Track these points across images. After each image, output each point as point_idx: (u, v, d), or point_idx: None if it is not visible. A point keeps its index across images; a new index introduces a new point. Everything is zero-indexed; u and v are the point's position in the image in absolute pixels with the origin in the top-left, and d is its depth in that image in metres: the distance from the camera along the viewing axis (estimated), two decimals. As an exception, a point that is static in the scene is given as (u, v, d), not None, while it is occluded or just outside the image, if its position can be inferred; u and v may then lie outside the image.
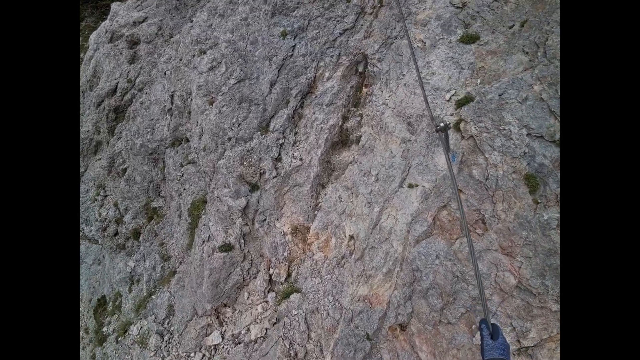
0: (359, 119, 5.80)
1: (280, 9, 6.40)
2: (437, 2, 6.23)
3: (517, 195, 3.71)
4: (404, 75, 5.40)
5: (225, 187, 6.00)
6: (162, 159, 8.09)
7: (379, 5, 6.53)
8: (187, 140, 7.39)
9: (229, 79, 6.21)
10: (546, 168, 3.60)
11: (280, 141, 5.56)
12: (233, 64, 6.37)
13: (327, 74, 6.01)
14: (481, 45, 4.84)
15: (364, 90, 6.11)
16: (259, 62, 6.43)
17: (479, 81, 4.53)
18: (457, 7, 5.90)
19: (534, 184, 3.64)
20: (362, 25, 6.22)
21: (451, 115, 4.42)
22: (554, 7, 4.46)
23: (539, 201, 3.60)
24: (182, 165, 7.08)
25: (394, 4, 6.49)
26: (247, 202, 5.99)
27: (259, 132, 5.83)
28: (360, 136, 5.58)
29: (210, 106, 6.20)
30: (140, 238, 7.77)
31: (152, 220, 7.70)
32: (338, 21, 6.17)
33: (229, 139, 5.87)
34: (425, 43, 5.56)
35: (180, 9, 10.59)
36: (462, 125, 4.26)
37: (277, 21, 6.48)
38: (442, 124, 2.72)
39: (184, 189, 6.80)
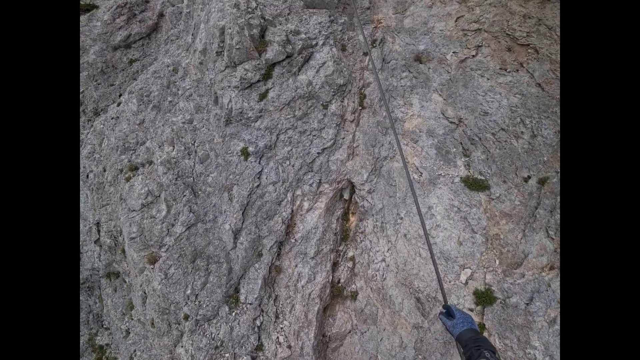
0: (350, 265, 4.65)
1: (238, 117, 4.83)
2: (426, 110, 5.31)
3: None
4: (402, 218, 4.36)
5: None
6: (98, 286, 5.97)
7: (359, 108, 5.37)
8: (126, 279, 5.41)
9: (173, 225, 4.48)
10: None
11: (258, 321, 4.10)
12: (177, 200, 4.64)
13: (306, 205, 4.70)
14: (492, 199, 4.00)
15: (352, 219, 4.95)
16: (214, 194, 4.80)
17: (497, 262, 3.70)
18: (451, 122, 5.04)
19: None
20: (343, 139, 4.99)
21: (470, 310, 3.52)
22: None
23: None
24: (125, 315, 5.14)
25: (377, 107, 5.39)
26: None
27: (226, 307, 4.24)
28: (357, 293, 4.44)
29: (152, 266, 4.42)
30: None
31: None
32: (315, 136, 4.85)
33: (186, 317, 4.19)
34: (422, 174, 4.59)
35: (107, 72, 8.09)
36: (485, 334, 3.38)
37: (235, 132, 4.90)
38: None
39: (135, 353, 4.90)
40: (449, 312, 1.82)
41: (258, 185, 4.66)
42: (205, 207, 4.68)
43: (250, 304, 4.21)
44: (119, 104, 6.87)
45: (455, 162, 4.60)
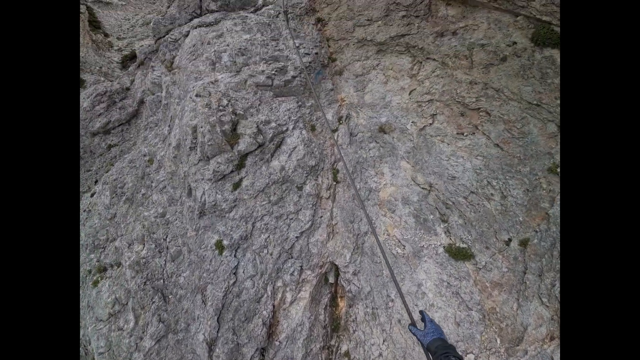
0: (345, 363, 4.10)
1: (212, 209, 4.74)
2: (397, 177, 5.45)
3: None
4: (392, 300, 4.02)
5: None
6: None
7: (334, 184, 5.44)
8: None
9: (142, 338, 4.00)
10: None
11: None
12: (146, 308, 4.26)
13: (289, 296, 4.34)
14: (479, 269, 3.80)
15: (341, 305, 4.55)
16: (186, 297, 4.45)
17: (498, 342, 3.35)
18: (423, 188, 5.13)
19: None
20: (321, 217, 4.91)
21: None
22: (554, 222, 3.71)
23: None
24: None
25: (350, 182, 5.47)
26: None
27: None
28: (355, 400, 3.82)
29: None
30: None
31: None
32: (292, 219, 4.75)
33: None
34: (405, 247, 4.42)
35: (84, 158, 8.24)
36: None
37: (209, 224, 4.76)
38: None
39: None
40: (414, 324, 1.97)
41: (234, 283, 4.35)
42: (177, 314, 4.26)
43: None
44: (92, 194, 6.80)
45: (435, 230, 4.51)
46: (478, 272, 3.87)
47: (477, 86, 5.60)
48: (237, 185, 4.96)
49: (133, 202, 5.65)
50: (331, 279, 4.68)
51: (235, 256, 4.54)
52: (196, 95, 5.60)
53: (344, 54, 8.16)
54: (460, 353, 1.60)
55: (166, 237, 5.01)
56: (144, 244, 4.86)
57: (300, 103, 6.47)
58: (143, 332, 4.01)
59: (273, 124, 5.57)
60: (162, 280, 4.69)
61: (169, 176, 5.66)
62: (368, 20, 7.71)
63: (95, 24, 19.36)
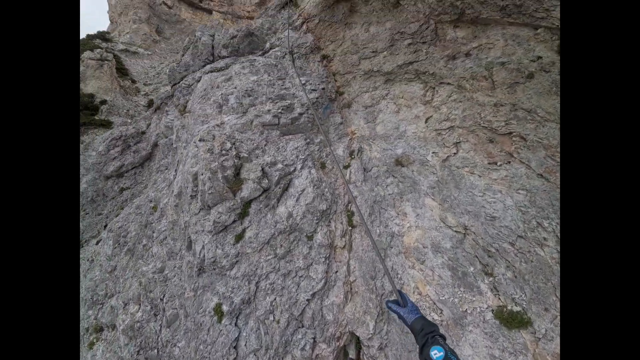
0: None
1: (211, 266, 4.17)
2: (423, 218, 4.67)
3: None
4: (433, 388, 2.98)
5: None
6: None
7: (349, 229, 4.74)
8: None
9: None
10: None
11: None
12: None
13: (301, 377, 3.46)
14: (539, 339, 2.84)
15: None
16: None
17: None
18: (457, 232, 4.29)
19: None
20: (336, 273, 4.16)
21: None
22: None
23: None
24: None
25: (369, 223, 4.74)
26: None
27: None
28: None
29: None
30: None
31: None
32: (301, 276, 4.04)
33: None
34: (442, 311, 3.51)
35: (97, 201, 8.22)
36: None
37: (208, 284, 4.17)
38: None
39: None
40: (397, 301, 1.75)
41: (235, 359, 3.60)
42: None
43: None
44: (97, 242, 6.53)
45: (478, 287, 3.61)
46: (537, 344, 2.90)
47: (504, 108, 4.95)
48: (239, 237, 4.42)
49: (134, 254, 5.28)
50: (352, 354, 3.79)
51: (236, 325, 3.84)
52: (200, 140, 5.40)
53: (352, 87, 7.95)
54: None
55: (163, 297, 4.47)
56: (139, 305, 4.35)
57: (308, 140, 6.09)
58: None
59: (279, 165, 5.15)
60: (156, 350, 4.06)
61: (170, 226, 5.29)
62: (373, 52, 7.54)
63: (123, 71, 21.47)
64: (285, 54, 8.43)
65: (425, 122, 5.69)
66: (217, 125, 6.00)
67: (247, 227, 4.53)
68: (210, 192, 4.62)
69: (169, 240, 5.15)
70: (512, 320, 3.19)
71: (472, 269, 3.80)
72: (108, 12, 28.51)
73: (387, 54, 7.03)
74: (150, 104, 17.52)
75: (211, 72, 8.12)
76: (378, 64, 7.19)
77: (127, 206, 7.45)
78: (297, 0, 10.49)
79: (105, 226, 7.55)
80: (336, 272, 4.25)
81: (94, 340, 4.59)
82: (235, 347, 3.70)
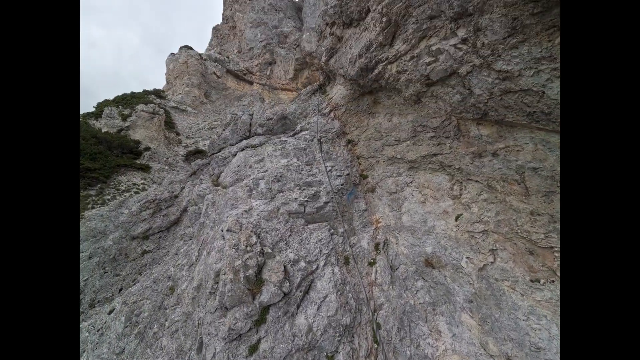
0: None
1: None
2: (460, 341, 4.07)
3: None
4: None
5: None
6: None
7: (375, 347, 4.22)
8: None
9: None
10: None
11: None
12: None
13: None
14: None
15: None
16: None
17: None
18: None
19: None
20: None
21: None
22: None
23: None
24: None
25: (398, 342, 4.18)
26: None
27: None
28: None
29: None
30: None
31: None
32: None
33: None
34: None
35: (118, 260, 8.40)
36: None
37: None
38: None
39: None
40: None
41: None
42: None
43: None
44: (110, 312, 6.39)
45: None
46: None
47: (542, 218, 4.60)
48: (253, 349, 4.10)
49: (143, 339, 5.09)
50: None
51: None
52: (227, 230, 5.57)
53: (375, 171, 8.15)
54: None
55: None
56: None
57: (332, 230, 6.03)
58: None
59: (302, 264, 5.03)
60: None
61: (184, 318, 5.13)
62: (396, 140, 7.88)
63: (170, 125, 24.43)
64: (314, 138, 9.11)
65: (456, 220, 5.45)
66: (245, 212, 6.25)
67: (263, 337, 4.23)
68: (230, 294, 4.53)
69: (180, 335, 4.95)
70: None
71: None
72: (165, 74, 33.82)
73: (410, 144, 7.28)
74: (188, 154, 19.31)
75: (246, 148, 8.90)
76: (401, 152, 7.42)
77: (145, 274, 7.54)
78: (326, 89, 11.83)
79: (120, 290, 7.56)
80: (360, 409, 3.65)
81: None
82: None
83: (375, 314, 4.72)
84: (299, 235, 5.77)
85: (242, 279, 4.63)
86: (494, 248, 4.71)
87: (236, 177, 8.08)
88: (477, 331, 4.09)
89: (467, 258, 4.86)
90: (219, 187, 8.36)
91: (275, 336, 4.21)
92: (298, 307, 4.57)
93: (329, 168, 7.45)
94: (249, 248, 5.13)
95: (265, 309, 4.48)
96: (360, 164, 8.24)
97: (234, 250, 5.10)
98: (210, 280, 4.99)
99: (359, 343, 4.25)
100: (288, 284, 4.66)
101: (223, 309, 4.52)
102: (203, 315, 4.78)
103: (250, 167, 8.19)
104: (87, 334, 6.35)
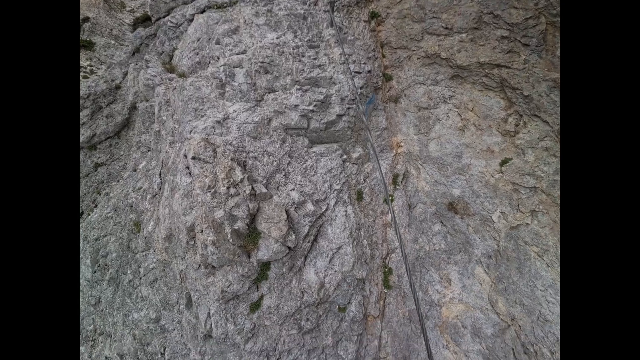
0: None
1: (222, 339, 3.42)
2: (469, 292, 4.01)
3: None
4: None
5: None
6: None
7: (385, 292, 4.03)
8: None
9: None
10: None
11: None
12: None
13: None
14: None
15: None
16: None
17: None
18: (503, 320, 3.74)
19: None
20: (366, 348, 3.67)
21: None
22: None
23: None
24: None
25: (407, 288, 4.10)
26: None
27: None
28: None
29: None
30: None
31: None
32: (329, 355, 3.55)
33: None
34: None
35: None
36: None
37: (218, 352, 3.62)
38: None
39: None
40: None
41: None
42: None
43: None
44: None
45: None
46: None
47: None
48: (256, 306, 3.52)
49: (119, 287, 4.27)
50: None
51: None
52: (193, 159, 3.69)
53: (403, 71, 5.85)
54: None
55: (164, 351, 3.79)
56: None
57: (344, 156, 4.60)
58: None
59: (309, 206, 3.85)
60: None
61: (161, 266, 4.15)
62: (446, 27, 5.22)
63: None
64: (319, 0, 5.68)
65: (501, 165, 4.39)
66: (219, 123, 4.15)
67: (266, 294, 3.57)
68: (214, 257, 3.38)
69: (161, 286, 4.10)
70: None
71: (513, 371, 3.42)
72: None
73: (467, 39, 4.92)
74: (135, 23, 12.90)
75: (208, 8, 5.40)
76: (449, 49, 5.11)
77: (103, 195, 5.90)
78: None
79: (81, 214, 6.09)
80: (366, 346, 3.69)
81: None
82: None
83: (388, 257, 4.29)
84: (302, 163, 4.26)
85: (228, 235, 3.37)
86: (536, 210, 4.06)
87: (197, 60, 5.13)
88: (488, 287, 3.99)
89: (501, 212, 4.23)
90: (175, 75, 5.39)
91: (280, 294, 3.55)
92: (305, 259, 3.78)
93: (347, 56, 4.98)
94: (232, 190, 3.55)
95: (265, 265, 3.59)
96: (384, 56, 5.79)
97: (209, 195, 3.50)
98: (182, 234, 3.64)
99: (370, 290, 3.94)
100: (294, 236, 3.61)
101: (209, 268, 3.49)
102: (184, 268, 3.77)
103: (218, 42, 5.04)
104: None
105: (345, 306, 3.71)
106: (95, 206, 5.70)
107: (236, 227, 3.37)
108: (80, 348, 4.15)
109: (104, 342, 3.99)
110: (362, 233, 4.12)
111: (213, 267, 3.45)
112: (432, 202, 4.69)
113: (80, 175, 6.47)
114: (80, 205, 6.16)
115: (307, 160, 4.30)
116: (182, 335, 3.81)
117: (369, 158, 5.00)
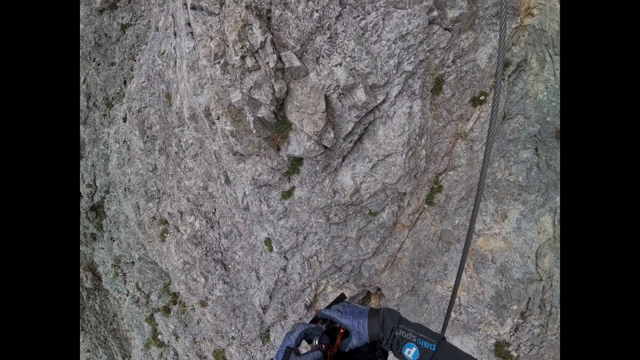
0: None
1: (258, 216, 3.85)
2: (520, 235, 3.44)
3: None
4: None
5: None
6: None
7: (425, 207, 3.73)
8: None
9: (212, 290, 4.82)
10: None
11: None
12: (211, 272, 4.64)
13: (330, 288, 4.62)
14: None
15: (374, 301, 4.92)
16: (242, 271, 4.65)
17: None
18: (539, 274, 3.36)
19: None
20: (386, 246, 3.97)
21: None
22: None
23: None
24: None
25: (452, 210, 3.87)
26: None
27: (259, 341, 5.28)
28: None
29: (203, 308, 5.19)
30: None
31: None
32: (349, 244, 3.91)
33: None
34: (461, 314, 3.92)
35: (102, 44, 5.93)
36: None
37: (257, 221, 4.06)
38: None
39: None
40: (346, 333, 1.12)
41: (283, 275, 4.36)
42: (237, 280, 4.75)
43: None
44: (124, 119, 5.36)
45: (504, 320, 3.62)
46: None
47: None
48: (288, 194, 3.45)
49: (169, 157, 4.40)
50: (372, 291, 4.56)
51: (285, 258, 4.18)
52: (192, 8, 2.30)
53: None
54: None
55: (214, 211, 4.39)
56: (194, 217, 4.41)
57: (435, 12, 2.69)
58: (212, 288, 4.78)
59: (360, 95, 2.73)
60: (220, 253, 4.74)
61: (198, 143, 3.85)
62: None
63: None
64: None
65: None
66: None
67: (297, 186, 3.36)
68: (237, 148, 2.83)
69: (202, 160, 3.99)
70: (501, 352, 3.60)
71: (515, 306, 3.53)
72: None
73: None
74: None
75: None
76: None
77: (137, 67, 5.01)
78: None
79: (125, 83, 5.52)
80: (386, 245, 3.90)
81: (164, 234, 5.01)
82: (284, 269, 4.32)
83: (444, 174, 3.51)
84: (360, 18, 2.59)
85: (251, 124, 2.63)
86: None
87: None
88: (544, 239, 3.32)
89: None
90: None
91: (312, 189, 3.31)
92: (343, 160, 3.17)
93: None
94: (249, 61, 2.38)
95: (296, 160, 3.10)
96: None
97: (218, 68, 2.39)
98: (201, 120, 2.91)
99: (408, 202, 3.56)
100: (332, 134, 2.80)
101: (238, 155, 3.10)
102: (217, 149, 3.43)
103: None
104: (117, 145, 5.40)
105: (377, 212, 3.51)
106: (133, 73, 5.16)
107: (260, 115, 2.63)
108: (149, 204, 5.04)
109: (166, 200, 4.73)
110: (423, 141, 3.12)
111: (242, 155, 3.11)
112: (537, 119, 3.09)
113: (112, 40, 5.66)
114: (122, 74, 5.65)
115: (369, 14, 2.59)
116: (227, 202, 4.25)
117: (473, 21, 2.91)
